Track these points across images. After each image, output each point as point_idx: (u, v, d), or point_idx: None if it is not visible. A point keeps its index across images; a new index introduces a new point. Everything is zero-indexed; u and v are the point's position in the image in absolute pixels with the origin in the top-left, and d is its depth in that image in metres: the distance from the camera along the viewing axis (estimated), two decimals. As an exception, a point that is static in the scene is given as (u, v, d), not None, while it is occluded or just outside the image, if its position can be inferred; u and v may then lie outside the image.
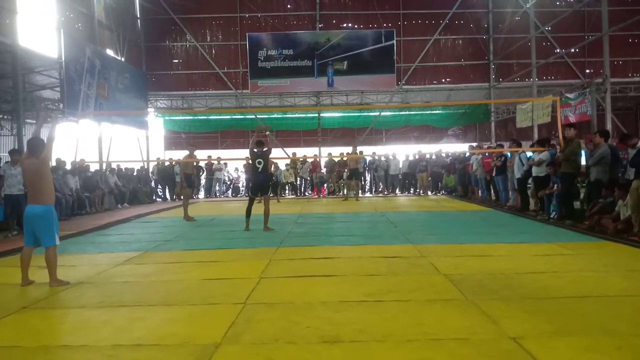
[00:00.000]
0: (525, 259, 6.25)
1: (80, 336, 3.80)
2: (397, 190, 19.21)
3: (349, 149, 19.04)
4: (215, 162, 19.54)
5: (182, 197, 12.31)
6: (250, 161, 9.77)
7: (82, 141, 16.41)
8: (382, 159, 19.24)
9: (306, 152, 21.44)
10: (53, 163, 13.05)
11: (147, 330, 3.87)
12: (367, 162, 19.19)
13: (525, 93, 20.83)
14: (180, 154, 19.17)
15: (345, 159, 17.62)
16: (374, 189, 19.63)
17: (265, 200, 9.52)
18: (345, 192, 17.39)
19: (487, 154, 13.78)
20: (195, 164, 14.31)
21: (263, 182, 9.53)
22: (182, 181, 12.03)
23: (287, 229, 9.49)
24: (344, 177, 17.89)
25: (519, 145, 11.90)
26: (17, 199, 9.48)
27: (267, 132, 9.94)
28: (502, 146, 14.55)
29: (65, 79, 14.13)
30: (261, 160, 9.29)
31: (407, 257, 6.45)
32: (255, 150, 9.44)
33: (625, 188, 7.88)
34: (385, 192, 18.89)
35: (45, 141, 5.54)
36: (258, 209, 9.67)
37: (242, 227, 9.40)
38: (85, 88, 15.24)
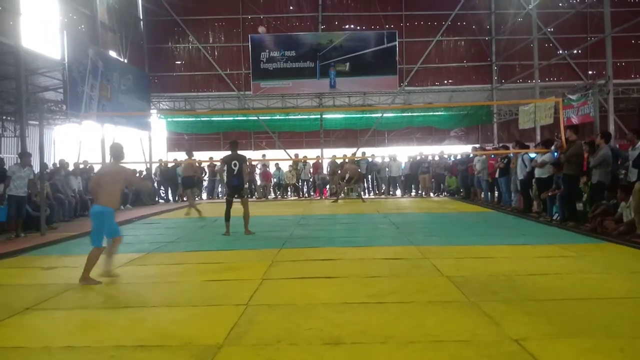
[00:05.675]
0: (527, 261, 6.24)
1: (83, 337, 3.82)
2: (399, 192, 19.20)
3: (349, 152, 18.93)
4: (218, 164, 19.54)
5: (186, 199, 12.31)
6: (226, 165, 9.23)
7: (85, 143, 16.44)
8: (386, 160, 19.21)
9: (308, 154, 21.44)
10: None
11: (149, 332, 3.89)
12: (368, 163, 19.19)
13: (527, 94, 20.79)
14: (183, 156, 19.18)
15: (339, 162, 17.63)
16: (375, 191, 19.63)
17: (243, 203, 9.22)
18: (337, 195, 17.38)
19: (492, 156, 13.75)
20: (197, 164, 14.31)
21: (237, 185, 9.20)
22: (181, 184, 12.04)
23: (290, 231, 9.49)
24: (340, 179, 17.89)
25: (523, 147, 11.87)
26: (22, 200, 9.50)
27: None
28: (506, 147, 14.54)
29: (68, 81, 14.17)
30: (237, 162, 9.04)
31: (409, 259, 6.45)
32: (230, 152, 9.21)
33: (627, 190, 7.87)
34: (390, 193, 18.88)
35: (138, 179, 5.94)
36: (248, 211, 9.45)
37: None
38: (88, 89, 15.28)
